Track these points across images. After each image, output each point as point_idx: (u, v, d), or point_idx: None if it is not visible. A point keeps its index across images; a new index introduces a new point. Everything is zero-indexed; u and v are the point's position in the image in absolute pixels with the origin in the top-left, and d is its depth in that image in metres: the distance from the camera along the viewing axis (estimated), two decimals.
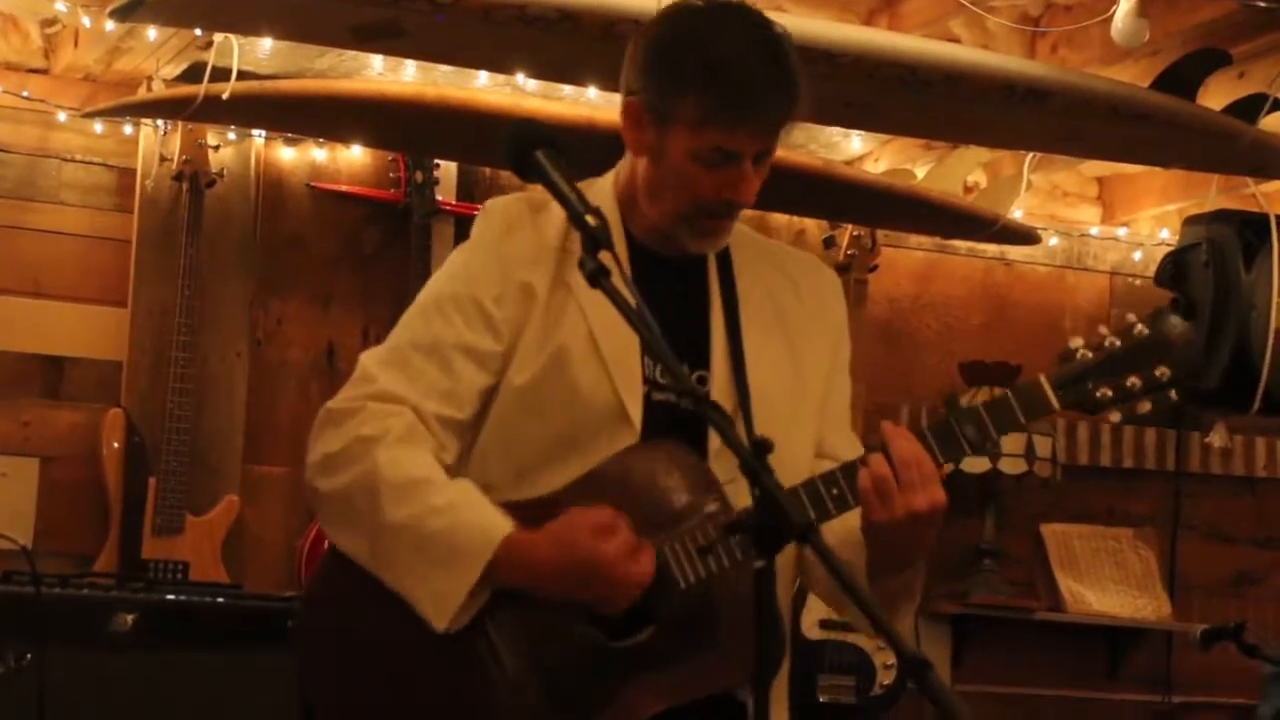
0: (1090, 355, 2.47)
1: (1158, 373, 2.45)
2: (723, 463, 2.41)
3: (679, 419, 2.41)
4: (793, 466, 2.43)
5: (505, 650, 2.39)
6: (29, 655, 3.76)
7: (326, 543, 2.51)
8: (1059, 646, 6.22)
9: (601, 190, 2.60)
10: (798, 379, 2.58)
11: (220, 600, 4.15)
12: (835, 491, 2.39)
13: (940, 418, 2.45)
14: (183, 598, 4.14)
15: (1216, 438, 6.03)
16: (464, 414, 2.48)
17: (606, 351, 2.46)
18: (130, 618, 3.95)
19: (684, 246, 2.54)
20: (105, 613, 3.94)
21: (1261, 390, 4.92)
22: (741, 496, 2.32)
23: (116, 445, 5.15)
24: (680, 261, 2.56)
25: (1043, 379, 2.46)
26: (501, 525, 2.36)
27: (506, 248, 2.52)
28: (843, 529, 2.42)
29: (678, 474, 2.43)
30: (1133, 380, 2.45)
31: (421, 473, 2.41)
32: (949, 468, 2.71)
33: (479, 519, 2.37)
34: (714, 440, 2.45)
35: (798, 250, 2.74)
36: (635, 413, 2.45)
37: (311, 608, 2.57)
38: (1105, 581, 6.18)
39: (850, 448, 2.58)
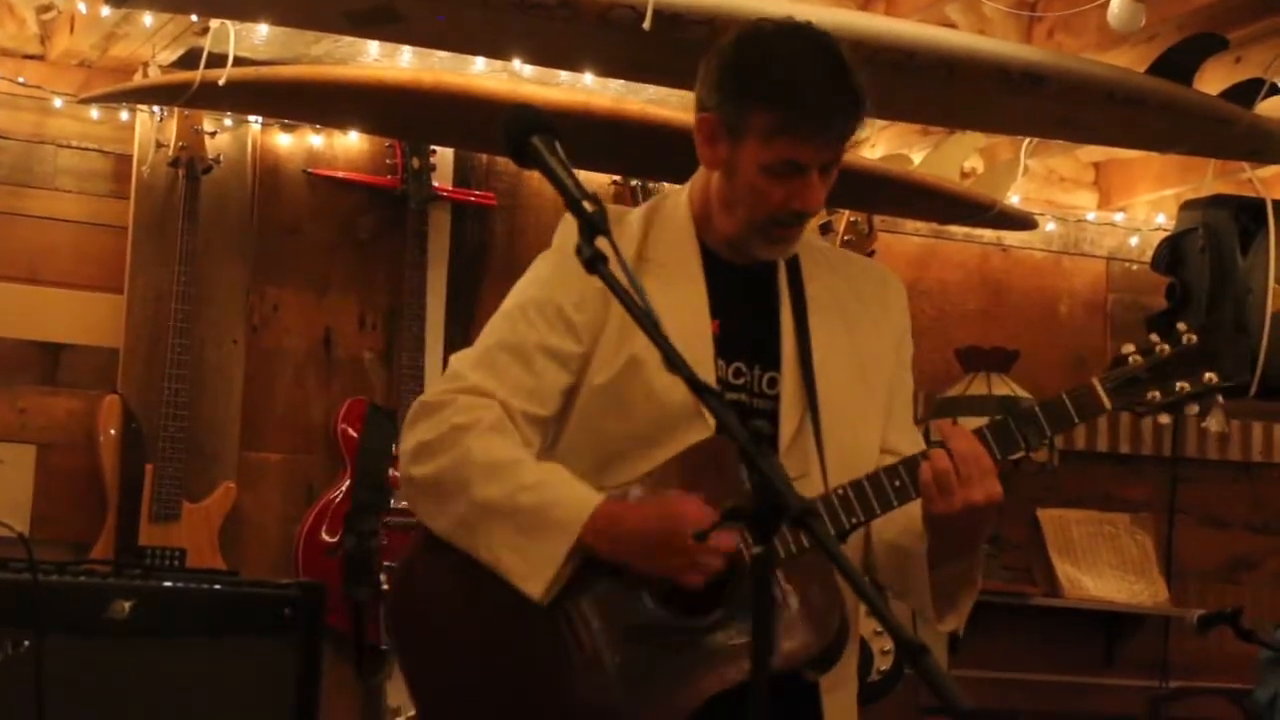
0: (1141, 360, 2.61)
1: (1205, 378, 2.60)
2: (794, 457, 2.59)
3: (751, 417, 2.59)
4: (859, 463, 2.62)
5: (583, 627, 2.53)
6: (26, 642, 3.76)
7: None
8: (1056, 632, 6.22)
9: (676, 203, 2.74)
10: (863, 380, 2.73)
11: (217, 587, 4.14)
12: (898, 483, 2.54)
13: (998, 417, 2.58)
14: (180, 584, 4.13)
15: (1213, 423, 6.02)
16: (547, 411, 2.64)
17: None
18: (127, 605, 3.94)
19: (756, 255, 2.68)
20: (102, 600, 3.93)
21: (1258, 375, 4.92)
22: (811, 490, 2.54)
23: (113, 432, 5.15)
24: (752, 269, 2.70)
25: (1095, 381, 2.60)
26: (591, 496, 2.53)
27: None
28: (905, 519, 2.58)
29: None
30: (1181, 385, 2.60)
31: (511, 455, 2.57)
32: None
33: (570, 492, 2.54)
34: (785, 436, 2.62)
35: (863, 257, 2.91)
36: (709, 412, 2.54)
37: (403, 591, 2.71)
38: (1102, 567, 6.19)
39: (913, 445, 2.72)
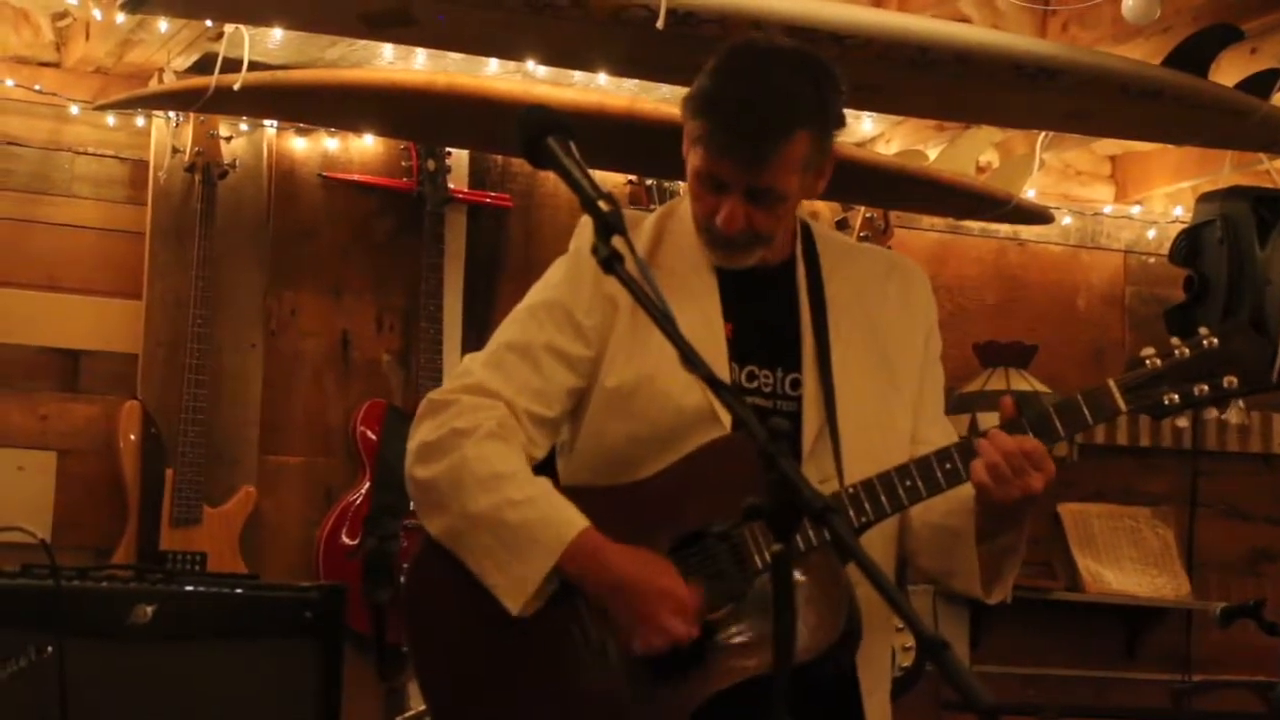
0: (1159, 363, 2.59)
1: (1225, 382, 2.60)
2: (816, 462, 2.59)
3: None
4: (886, 460, 2.59)
5: (589, 619, 2.55)
6: (49, 648, 3.77)
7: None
8: (1077, 626, 6.21)
9: (689, 207, 2.73)
10: (888, 376, 2.75)
11: (238, 591, 4.15)
12: (949, 466, 2.55)
13: (1011, 416, 2.57)
14: (201, 589, 4.13)
15: (1233, 415, 6.00)
16: (553, 412, 2.66)
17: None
18: (149, 609, 3.95)
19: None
20: (124, 604, 3.94)
21: (1278, 366, 4.90)
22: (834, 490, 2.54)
23: (133, 437, 5.16)
24: (769, 270, 2.71)
25: (1111, 383, 2.59)
26: (575, 521, 2.54)
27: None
28: (949, 500, 2.59)
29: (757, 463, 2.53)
30: (1200, 388, 2.59)
31: (505, 467, 2.58)
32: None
33: (555, 514, 2.55)
34: (807, 441, 2.62)
35: (883, 249, 2.88)
36: (725, 416, 2.58)
37: (415, 588, 2.73)
38: (1123, 561, 6.18)
39: (945, 436, 2.73)
